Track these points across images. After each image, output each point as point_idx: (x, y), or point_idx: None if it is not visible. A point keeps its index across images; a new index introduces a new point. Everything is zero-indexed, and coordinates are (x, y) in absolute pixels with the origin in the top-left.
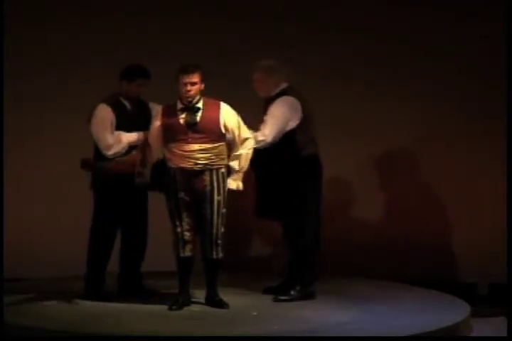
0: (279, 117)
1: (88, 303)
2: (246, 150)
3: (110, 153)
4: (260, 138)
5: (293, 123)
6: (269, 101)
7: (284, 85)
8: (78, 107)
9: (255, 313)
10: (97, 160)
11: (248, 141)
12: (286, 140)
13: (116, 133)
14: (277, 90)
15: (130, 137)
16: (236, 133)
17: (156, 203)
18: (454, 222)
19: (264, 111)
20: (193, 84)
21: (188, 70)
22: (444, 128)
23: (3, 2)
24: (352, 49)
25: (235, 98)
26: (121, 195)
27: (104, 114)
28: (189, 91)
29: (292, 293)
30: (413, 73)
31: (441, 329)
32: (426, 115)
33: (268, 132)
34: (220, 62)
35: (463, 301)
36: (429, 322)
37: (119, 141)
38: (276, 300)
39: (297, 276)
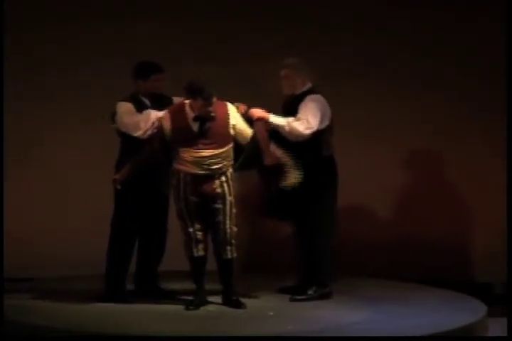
0: (317, 111)
1: (103, 303)
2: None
3: (140, 132)
4: (307, 130)
5: (326, 122)
6: (294, 100)
7: (309, 84)
8: (81, 107)
9: (271, 313)
10: (121, 163)
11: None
12: (310, 139)
13: (145, 111)
14: (303, 89)
15: (159, 114)
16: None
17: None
18: (468, 221)
19: (286, 110)
20: (212, 104)
21: (210, 96)
22: (454, 127)
23: (3, 2)
24: (352, 49)
25: (236, 98)
26: (142, 196)
27: (126, 106)
28: (210, 112)
29: (309, 292)
30: (414, 73)
31: (456, 329)
32: (438, 113)
33: (312, 122)
34: (221, 62)
35: (479, 301)
36: (444, 322)
37: (147, 118)
38: (292, 299)
39: (313, 276)
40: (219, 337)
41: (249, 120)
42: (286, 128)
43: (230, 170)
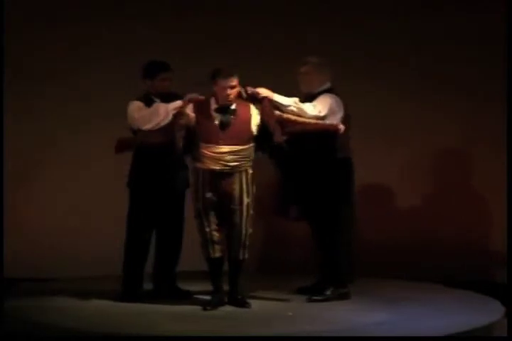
0: (328, 103)
1: (122, 304)
2: None
3: (150, 125)
4: (313, 112)
5: (336, 119)
6: (311, 98)
7: (327, 85)
8: (91, 107)
9: (290, 313)
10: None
11: None
12: (325, 139)
13: (154, 104)
14: (320, 88)
15: (170, 106)
16: None
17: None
18: (489, 222)
19: None
20: (233, 87)
21: (228, 74)
22: (473, 129)
23: (3, 7)
24: (363, 48)
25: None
26: (156, 194)
27: (136, 104)
28: (229, 95)
29: (327, 293)
30: (427, 73)
31: (474, 330)
32: (450, 114)
33: (320, 107)
34: (221, 62)
35: (497, 302)
36: (462, 323)
37: (156, 110)
38: (310, 300)
39: (331, 277)
40: (237, 337)
41: (254, 99)
42: (293, 108)
43: (251, 171)
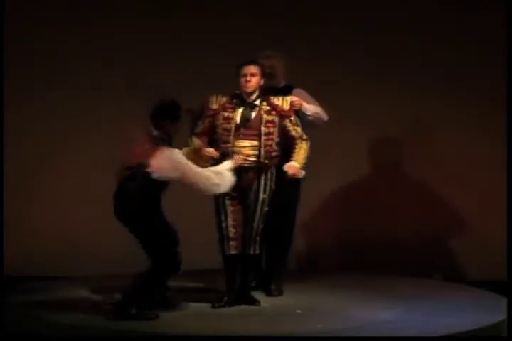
0: (312, 99)
1: None
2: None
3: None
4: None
5: None
6: (278, 92)
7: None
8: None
9: (299, 311)
10: None
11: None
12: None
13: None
14: (284, 82)
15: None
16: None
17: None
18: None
19: None
20: (253, 75)
21: (247, 62)
22: (451, 121)
23: (3, 7)
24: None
25: None
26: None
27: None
28: (248, 81)
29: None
30: (412, 65)
31: (483, 328)
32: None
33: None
34: (221, 62)
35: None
36: (474, 321)
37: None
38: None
39: (278, 274)
40: (244, 336)
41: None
42: (311, 117)
43: (273, 169)
